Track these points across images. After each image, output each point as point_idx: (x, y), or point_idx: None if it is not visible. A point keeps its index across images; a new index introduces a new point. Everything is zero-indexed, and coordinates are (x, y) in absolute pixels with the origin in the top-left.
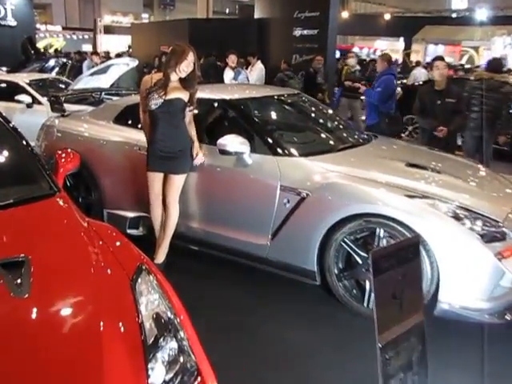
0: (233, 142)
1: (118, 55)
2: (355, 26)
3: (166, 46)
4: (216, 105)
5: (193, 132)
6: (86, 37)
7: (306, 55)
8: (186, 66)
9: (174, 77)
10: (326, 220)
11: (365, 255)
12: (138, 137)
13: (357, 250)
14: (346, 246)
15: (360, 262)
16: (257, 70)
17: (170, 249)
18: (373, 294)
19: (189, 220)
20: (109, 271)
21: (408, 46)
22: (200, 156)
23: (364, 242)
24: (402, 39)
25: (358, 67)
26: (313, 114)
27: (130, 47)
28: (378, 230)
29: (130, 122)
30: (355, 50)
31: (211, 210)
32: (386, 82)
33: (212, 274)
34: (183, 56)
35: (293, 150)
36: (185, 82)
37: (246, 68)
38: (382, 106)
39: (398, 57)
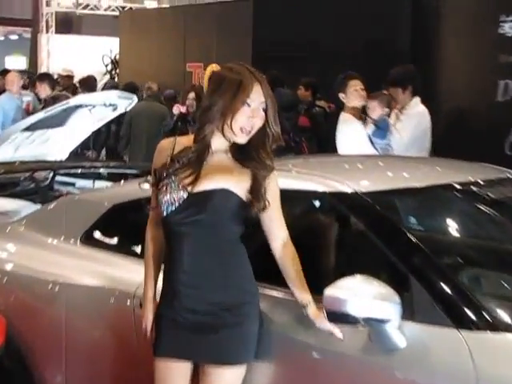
0: (362, 297)
1: (85, 83)
2: None
3: (198, 65)
4: (318, 205)
5: (292, 265)
6: (15, 38)
7: None
8: (252, 120)
9: (218, 142)
10: None
11: None
12: (138, 277)
13: None
14: None
15: None
16: (412, 120)
17: None
18: None
19: None
20: None
21: None
22: (324, 324)
23: None
24: None
25: None
26: None
27: (114, 63)
28: None
29: (119, 242)
30: None
31: None
32: None
33: None
34: (241, 96)
35: (506, 318)
36: (244, 153)
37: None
38: None
39: None
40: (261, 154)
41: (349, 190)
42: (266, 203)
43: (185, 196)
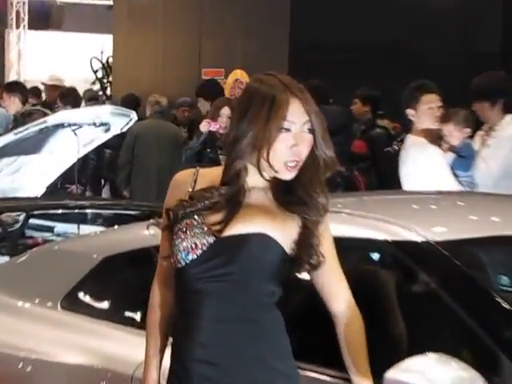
0: (436, 382)
1: (67, 96)
2: None
3: (218, 71)
4: (377, 257)
5: (356, 336)
6: None
7: None
8: (297, 149)
9: (253, 178)
10: None
11: None
12: (137, 353)
13: None
14: None
15: None
16: (504, 145)
17: None
18: None
19: None
20: None
21: None
22: None
23: None
24: None
25: None
26: None
27: (106, 68)
28: None
29: (112, 306)
30: None
31: None
32: None
33: None
34: (276, 120)
35: None
36: (288, 192)
37: (471, 136)
38: None
39: None
40: (311, 190)
41: (418, 239)
42: (321, 258)
43: (210, 241)
